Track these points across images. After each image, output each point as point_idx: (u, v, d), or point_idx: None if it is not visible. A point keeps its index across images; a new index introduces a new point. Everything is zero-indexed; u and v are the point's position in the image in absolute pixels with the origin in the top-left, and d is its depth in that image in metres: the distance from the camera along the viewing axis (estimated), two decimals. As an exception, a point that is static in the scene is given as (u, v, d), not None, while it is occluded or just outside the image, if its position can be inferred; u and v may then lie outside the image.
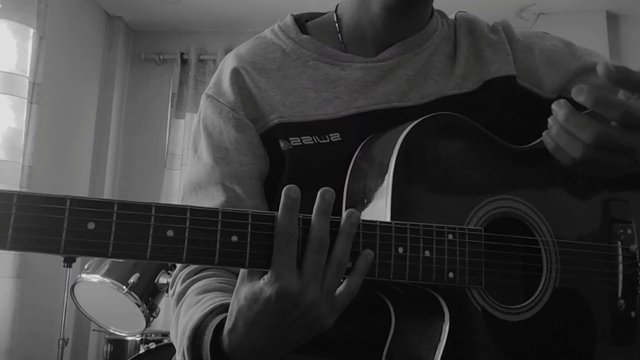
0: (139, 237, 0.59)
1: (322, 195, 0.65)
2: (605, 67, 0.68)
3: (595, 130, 0.69)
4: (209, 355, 0.69)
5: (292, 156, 0.87)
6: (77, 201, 0.58)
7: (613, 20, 3.80)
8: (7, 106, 2.76)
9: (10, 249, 0.55)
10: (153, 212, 0.60)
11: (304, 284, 0.64)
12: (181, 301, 0.82)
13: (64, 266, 2.73)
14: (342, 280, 0.67)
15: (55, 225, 0.57)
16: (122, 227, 0.59)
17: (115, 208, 0.59)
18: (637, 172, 0.75)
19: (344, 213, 0.67)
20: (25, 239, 0.56)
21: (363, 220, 0.69)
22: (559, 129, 0.73)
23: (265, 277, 0.64)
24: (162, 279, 2.48)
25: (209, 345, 0.70)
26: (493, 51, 0.94)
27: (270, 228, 0.64)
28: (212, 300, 0.76)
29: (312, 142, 0.86)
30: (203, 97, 0.94)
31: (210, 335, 0.70)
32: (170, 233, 0.60)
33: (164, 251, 0.60)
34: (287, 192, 0.64)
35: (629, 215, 0.89)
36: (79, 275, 2.49)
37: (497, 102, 0.91)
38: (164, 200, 3.78)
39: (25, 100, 2.84)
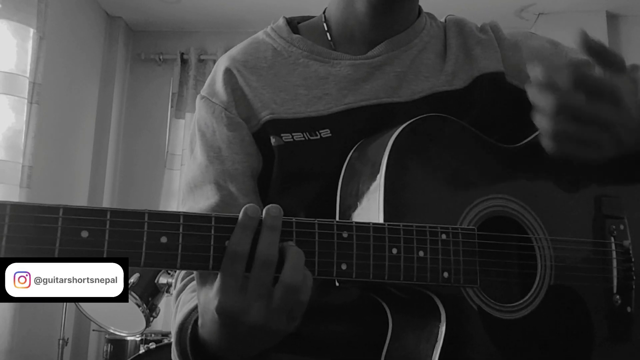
0: (133, 245, 0.59)
1: (267, 210, 0.64)
2: (582, 35, 0.67)
3: (556, 96, 0.68)
4: (188, 347, 0.72)
5: (282, 152, 0.87)
6: (70, 210, 0.58)
7: (613, 20, 3.79)
8: (7, 106, 2.76)
9: None
10: (146, 218, 0.60)
11: (247, 304, 0.62)
12: (178, 299, 0.84)
13: (64, 266, 2.73)
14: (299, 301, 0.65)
15: (49, 234, 0.57)
16: (115, 235, 0.59)
17: (109, 216, 0.59)
18: (619, 156, 0.73)
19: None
20: (19, 249, 0.56)
21: (356, 223, 0.69)
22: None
23: (214, 287, 0.63)
24: (162, 279, 2.48)
25: (188, 336, 0.72)
26: (482, 49, 0.95)
27: None
28: None
29: (303, 139, 0.87)
30: (197, 98, 0.95)
31: (190, 326, 0.72)
32: (164, 239, 0.60)
33: (158, 258, 0.60)
34: (245, 209, 0.63)
35: (621, 210, 0.89)
36: (78, 275, 2.49)
37: (487, 99, 0.92)
38: (164, 200, 3.79)
39: (25, 100, 2.84)
